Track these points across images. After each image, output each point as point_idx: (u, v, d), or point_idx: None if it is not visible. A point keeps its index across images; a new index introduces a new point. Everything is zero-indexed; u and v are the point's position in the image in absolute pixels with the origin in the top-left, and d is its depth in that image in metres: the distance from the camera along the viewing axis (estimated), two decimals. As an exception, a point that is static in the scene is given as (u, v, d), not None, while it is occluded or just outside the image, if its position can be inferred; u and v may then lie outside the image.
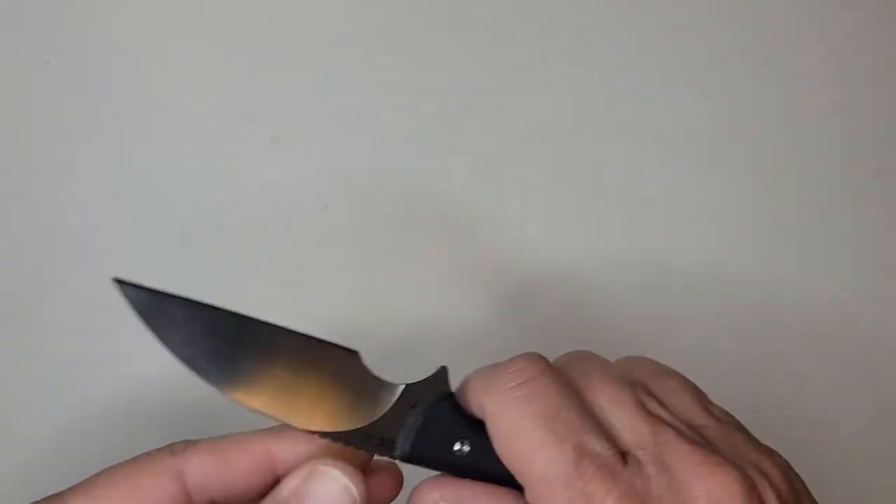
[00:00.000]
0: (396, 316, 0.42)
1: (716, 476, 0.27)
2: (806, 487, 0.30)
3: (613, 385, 0.29)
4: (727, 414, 0.31)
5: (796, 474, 0.29)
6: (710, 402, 0.31)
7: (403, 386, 0.29)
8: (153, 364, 0.41)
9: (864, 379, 0.45)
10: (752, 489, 0.27)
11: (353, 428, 0.28)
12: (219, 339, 0.28)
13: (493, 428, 0.28)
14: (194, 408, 0.41)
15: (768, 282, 0.45)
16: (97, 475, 0.29)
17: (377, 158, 0.43)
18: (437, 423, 0.29)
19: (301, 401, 0.28)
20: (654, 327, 0.44)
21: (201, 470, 0.29)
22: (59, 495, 0.29)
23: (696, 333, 0.44)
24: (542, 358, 0.29)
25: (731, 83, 0.45)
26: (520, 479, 0.28)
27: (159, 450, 0.30)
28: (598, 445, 0.27)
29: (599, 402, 0.29)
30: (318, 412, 0.28)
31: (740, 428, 0.30)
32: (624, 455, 0.28)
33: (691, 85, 0.44)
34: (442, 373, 0.30)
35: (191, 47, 0.42)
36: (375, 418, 0.29)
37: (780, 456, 0.29)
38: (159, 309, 0.28)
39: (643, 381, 0.30)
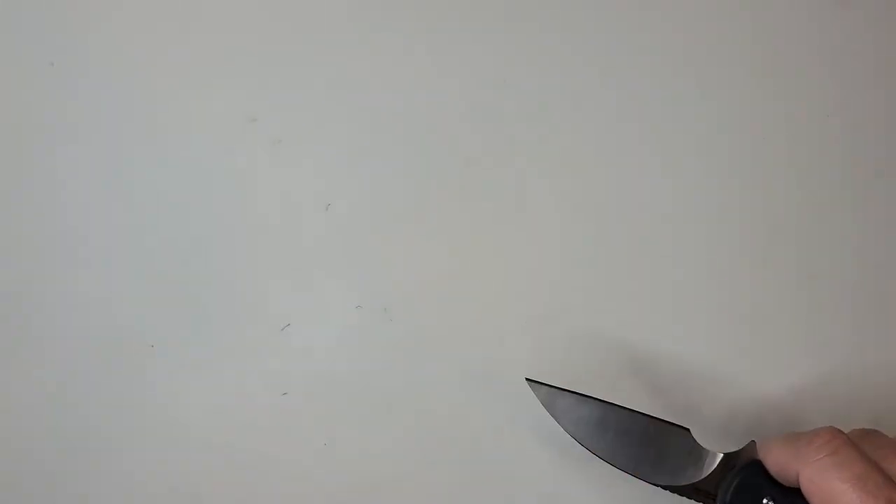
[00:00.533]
0: (397, 316, 0.42)
1: None
2: None
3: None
4: None
5: None
6: None
7: (723, 454, 0.37)
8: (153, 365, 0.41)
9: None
10: None
11: (685, 483, 0.37)
12: (594, 421, 0.38)
13: (810, 490, 0.34)
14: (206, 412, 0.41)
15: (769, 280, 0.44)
16: None
17: (378, 159, 0.43)
18: (749, 482, 0.37)
19: (647, 462, 0.38)
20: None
21: None
22: None
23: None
24: (841, 431, 0.35)
25: (731, 84, 0.44)
26: None
27: None
28: None
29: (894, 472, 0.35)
30: (661, 471, 0.38)
31: None
32: None
33: (691, 85, 0.44)
34: (751, 445, 0.38)
35: (193, 49, 0.42)
36: (703, 477, 0.37)
37: None
38: (555, 401, 0.39)
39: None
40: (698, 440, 0.38)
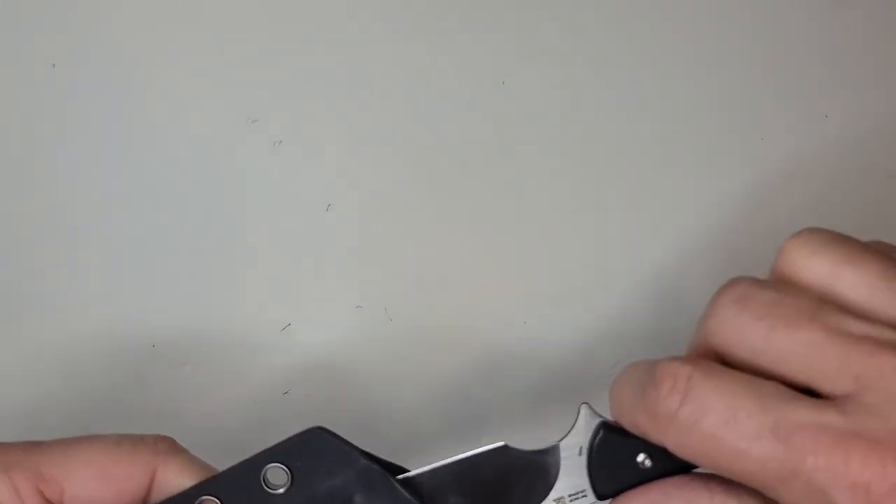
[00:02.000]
0: (396, 316, 0.42)
1: None
2: None
3: (792, 331, 0.25)
4: None
5: None
6: None
7: (557, 443, 0.31)
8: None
9: None
10: None
11: (542, 500, 0.31)
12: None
13: (683, 456, 0.26)
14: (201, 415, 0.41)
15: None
16: (79, 440, 0.30)
17: (379, 159, 0.43)
18: (609, 456, 0.30)
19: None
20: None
21: (174, 480, 0.31)
22: (37, 445, 0.29)
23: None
24: (683, 361, 0.26)
25: (731, 85, 0.45)
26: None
27: (143, 440, 0.31)
28: (799, 413, 0.24)
29: (784, 362, 0.25)
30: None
31: None
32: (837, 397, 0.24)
33: (689, 82, 0.44)
34: (587, 411, 0.31)
35: (193, 49, 0.42)
36: (553, 483, 0.31)
37: None
38: None
39: (822, 295, 0.25)
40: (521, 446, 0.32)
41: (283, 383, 0.41)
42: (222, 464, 0.41)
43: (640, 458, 0.29)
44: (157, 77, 0.41)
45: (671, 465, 0.29)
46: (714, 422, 0.24)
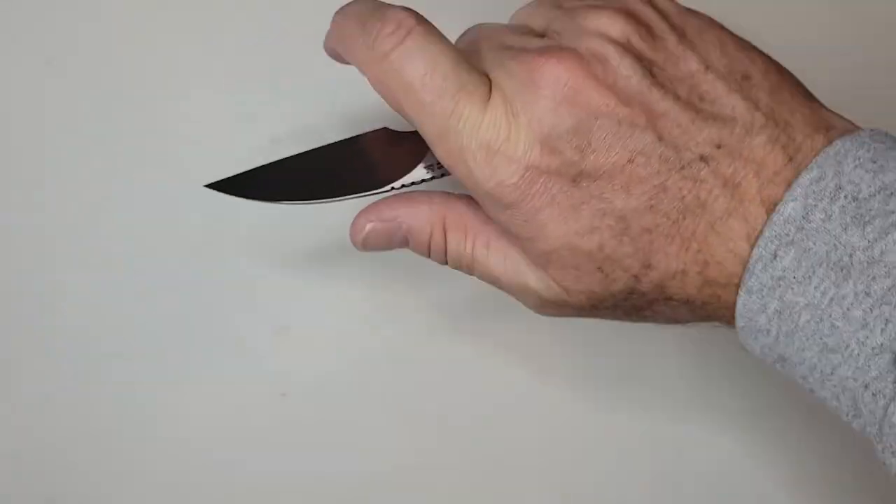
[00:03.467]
0: (396, 316, 0.42)
1: (549, 63, 0.29)
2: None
3: (474, 34, 0.32)
4: None
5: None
6: None
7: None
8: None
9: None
10: (577, 56, 0.29)
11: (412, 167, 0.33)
12: (295, 177, 0.34)
13: (378, 92, 0.31)
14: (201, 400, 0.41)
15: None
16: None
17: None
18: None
19: (367, 173, 0.33)
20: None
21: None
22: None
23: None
24: (411, 14, 0.30)
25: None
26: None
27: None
28: (471, 86, 0.29)
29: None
30: (382, 174, 0.33)
31: None
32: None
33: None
34: None
35: (191, 47, 0.42)
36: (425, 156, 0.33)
37: None
38: (249, 185, 0.34)
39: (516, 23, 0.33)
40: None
41: (281, 385, 0.41)
42: (222, 465, 0.40)
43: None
44: (156, 76, 0.41)
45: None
46: (414, 72, 0.29)
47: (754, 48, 0.30)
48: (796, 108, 0.28)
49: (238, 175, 0.34)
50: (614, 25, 0.29)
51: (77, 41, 0.40)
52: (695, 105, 0.28)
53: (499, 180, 0.28)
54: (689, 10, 0.30)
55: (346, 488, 0.41)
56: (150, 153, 0.41)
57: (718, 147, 0.28)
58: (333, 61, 0.42)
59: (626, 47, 0.28)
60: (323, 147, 0.34)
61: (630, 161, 0.28)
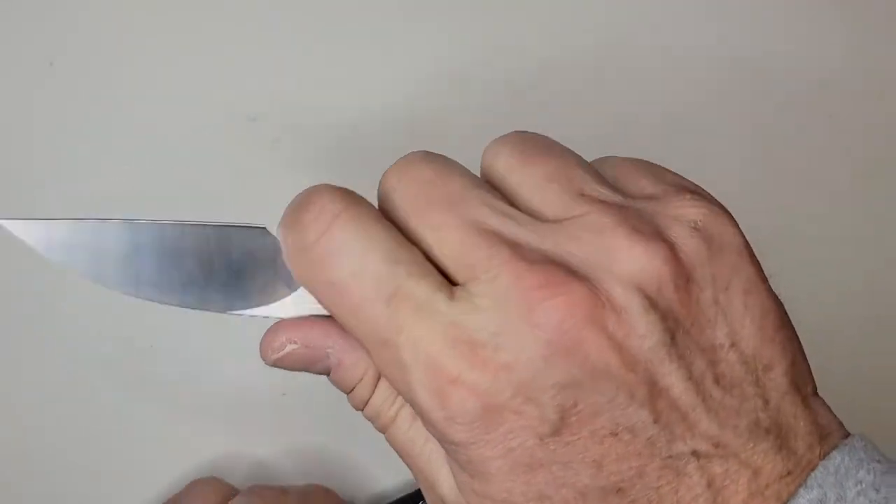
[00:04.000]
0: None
1: (548, 305, 0.23)
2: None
3: (429, 212, 0.25)
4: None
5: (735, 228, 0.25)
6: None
7: None
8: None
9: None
10: (595, 297, 0.23)
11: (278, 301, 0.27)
12: (127, 251, 0.27)
13: (308, 290, 0.26)
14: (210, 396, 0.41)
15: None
16: None
17: (378, 159, 0.43)
18: None
19: (222, 287, 0.27)
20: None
21: None
22: None
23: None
24: (338, 196, 0.25)
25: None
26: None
27: None
28: (417, 288, 0.23)
29: (424, 240, 0.25)
30: (244, 292, 0.27)
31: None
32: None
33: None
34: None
35: (192, 48, 0.42)
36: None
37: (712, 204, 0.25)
38: (55, 237, 0.27)
39: (492, 187, 0.26)
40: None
41: (282, 385, 0.41)
42: (222, 465, 0.40)
43: None
44: (157, 77, 0.41)
45: None
46: (342, 269, 0.24)
47: (793, 329, 0.25)
48: (801, 411, 0.24)
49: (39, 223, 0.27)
50: (651, 264, 0.23)
51: (79, 42, 0.40)
52: (705, 390, 0.23)
53: (449, 415, 0.23)
54: (749, 251, 0.25)
55: (347, 489, 0.41)
56: (150, 153, 0.41)
57: (716, 446, 0.23)
58: (334, 61, 0.42)
59: (653, 300, 0.23)
60: (185, 225, 0.27)
61: (613, 434, 0.23)
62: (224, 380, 0.41)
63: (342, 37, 0.42)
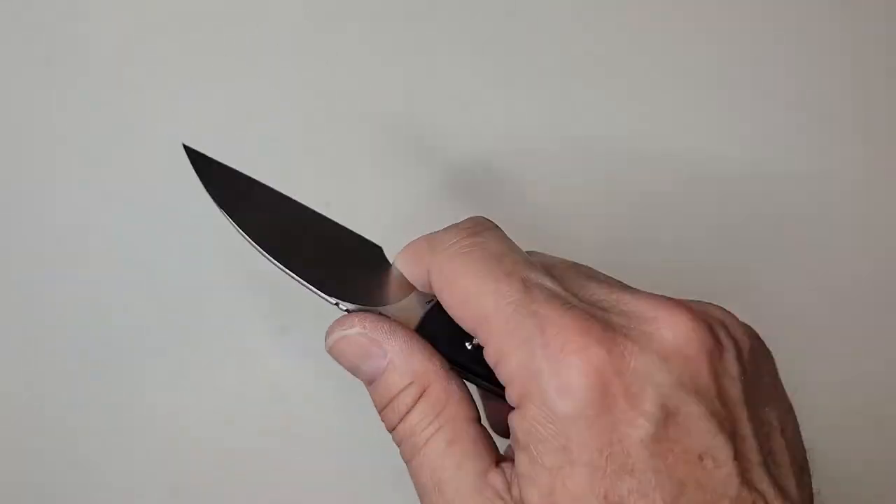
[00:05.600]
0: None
1: (675, 312, 0.26)
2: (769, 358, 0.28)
3: (559, 262, 0.30)
4: None
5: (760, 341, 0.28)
6: None
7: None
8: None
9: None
10: (710, 329, 0.26)
11: (375, 304, 0.29)
12: (280, 220, 0.31)
13: (437, 282, 0.28)
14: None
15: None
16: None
17: (377, 158, 0.43)
18: (438, 318, 0.29)
19: (335, 276, 0.30)
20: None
21: None
22: None
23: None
24: (489, 220, 0.29)
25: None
26: (472, 326, 0.27)
27: None
28: (547, 282, 0.27)
29: (553, 270, 0.29)
30: (350, 287, 0.29)
31: None
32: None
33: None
34: None
35: (190, 48, 0.42)
36: (392, 302, 0.29)
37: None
38: (228, 185, 0.31)
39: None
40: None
41: (282, 387, 0.41)
42: (221, 465, 0.40)
43: (469, 345, 0.29)
44: (155, 76, 0.41)
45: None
46: (483, 255, 0.27)
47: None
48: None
49: (228, 168, 0.31)
50: (745, 331, 0.27)
51: (76, 41, 0.40)
52: (765, 452, 0.26)
53: (564, 384, 0.25)
54: (780, 387, 0.28)
55: (347, 486, 0.41)
56: (150, 153, 0.41)
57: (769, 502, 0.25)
58: (333, 60, 0.42)
59: (741, 355, 0.27)
60: (328, 220, 0.31)
61: (700, 459, 0.25)
62: (224, 380, 0.41)
63: (341, 35, 0.42)
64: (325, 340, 0.30)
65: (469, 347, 0.29)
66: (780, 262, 0.45)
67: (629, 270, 0.32)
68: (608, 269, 0.30)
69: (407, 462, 0.29)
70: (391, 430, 0.29)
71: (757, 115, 0.45)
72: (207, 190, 0.30)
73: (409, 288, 0.30)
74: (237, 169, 0.31)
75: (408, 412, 0.28)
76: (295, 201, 0.31)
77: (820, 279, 0.45)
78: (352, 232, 0.31)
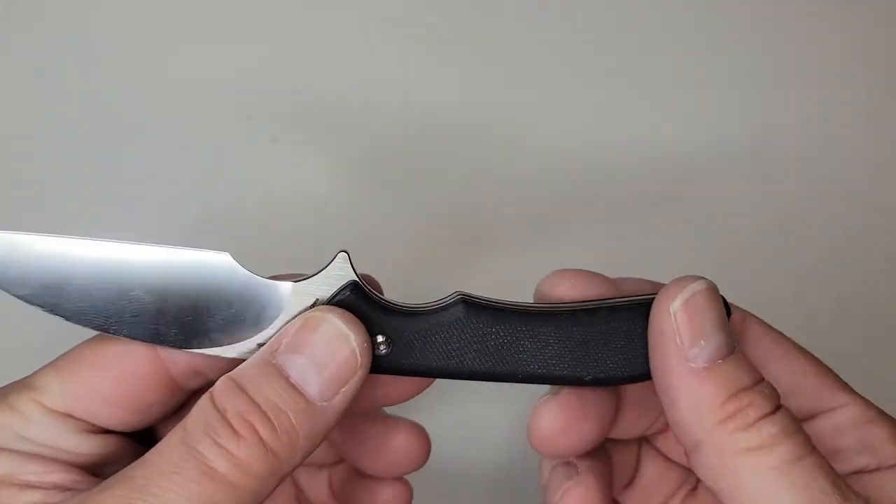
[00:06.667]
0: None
1: None
2: None
3: None
4: None
5: None
6: None
7: (292, 284, 0.26)
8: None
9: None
10: None
11: (242, 336, 0.25)
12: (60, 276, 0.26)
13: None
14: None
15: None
16: (64, 355, 0.28)
17: (377, 158, 0.43)
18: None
19: (174, 324, 0.25)
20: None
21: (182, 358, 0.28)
22: (24, 380, 0.27)
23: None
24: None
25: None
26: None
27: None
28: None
29: None
30: (202, 334, 0.25)
31: None
32: None
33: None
34: (342, 261, 0.26)
35: (190, 48, 0.42)
36: (266, 323, 0.25)
37: None
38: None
39: None
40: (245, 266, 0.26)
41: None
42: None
43: (379, 339, 0.26)
44: (156, 76, 0.41)
45: (410, 361, 0.26)
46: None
47: None
48: None
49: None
50: None
51: (76, 42, 0.40)
52: None
53: None
54: None
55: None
56: (149, 153, 0.41)
57: None
58: (332, 60, 0.42)
59: None
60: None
61: None
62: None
63: (340, 35, 0.42)
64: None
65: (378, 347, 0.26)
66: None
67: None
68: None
69: None
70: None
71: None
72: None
73: (278, 297, 0.26)
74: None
75: None
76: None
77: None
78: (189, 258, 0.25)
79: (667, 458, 0.31)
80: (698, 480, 0.31)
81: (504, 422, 0.42)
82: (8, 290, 0.26)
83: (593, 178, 0.43)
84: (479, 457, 0.42)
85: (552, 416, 0.27)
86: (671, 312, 0.25)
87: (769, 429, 0.24)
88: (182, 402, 0.29)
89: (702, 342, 0.25)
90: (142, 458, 0.24)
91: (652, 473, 0.31)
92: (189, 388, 0.28)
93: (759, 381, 0.25)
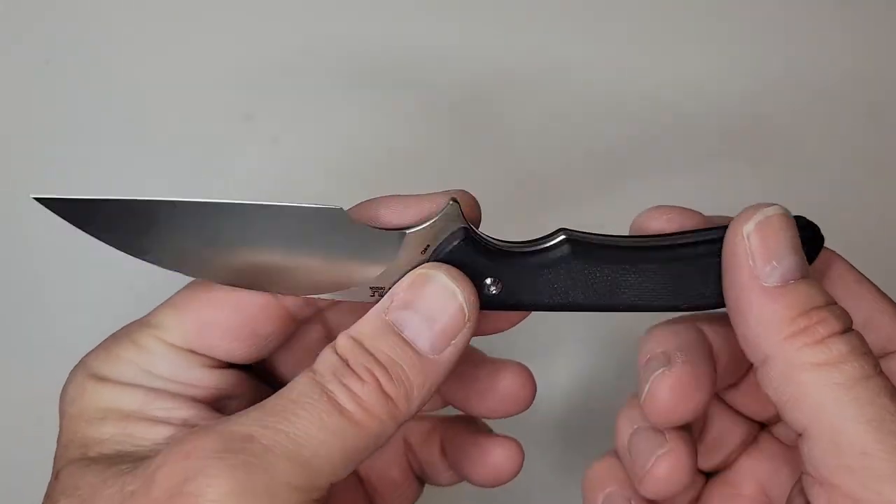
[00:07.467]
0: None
1: None
2: None
3: None
4: None
5: None
6: None
7: (405, 231, 0.27)
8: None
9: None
10: None
11: (359, 281, 0.27)
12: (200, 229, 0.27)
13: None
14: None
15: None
16: (179, 292, 0.29)
17: (376, 157, 0.43)
18: (458, 265, 0.27)
19: (298, 272, 0.27)
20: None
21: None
22: (144, 319, 0.29)
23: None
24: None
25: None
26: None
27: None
28: None
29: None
30: (318, 280, 0.27)
31: None
32: None
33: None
34: (453, 210, 0.27)
35: (190, 47, 0.42)
36: (383, 272, 0.27)
37: None
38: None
39: None
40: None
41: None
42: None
43: (488, 281, 0.28)
44: (156, 76, 0.41)
45: (518, 299, 0.28)
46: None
47: None
48: None
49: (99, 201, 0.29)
50: None
51: (76, 42, 0.40)
52: None
53: None
54: None
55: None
56: (149, 153, 0.41)
57: None
58: (331, 59, 0.42)
59: None
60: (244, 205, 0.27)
61: None
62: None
63: (339, 35, 0.42)
64: None
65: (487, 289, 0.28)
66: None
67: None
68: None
69: None
70: None
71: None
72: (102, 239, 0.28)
73: (393, 246, 0.27)
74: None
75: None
76: (184, 203, 0.28)
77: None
78: (300, 207, 0.27)
79: (735, 412, 0.32)
80: (761, 431, 0.32)
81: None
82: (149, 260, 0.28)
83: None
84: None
85: (669, 390, 0.28)
86: (745, 234, 0.26)
87: (838, 347, 0.25)
88: (294, 331, 0.30)
89: (774, 262, 0.26)
90: (273, 395, 0.26)
91: (720, 426, 0.32)
92: (301, 316, 0.30)
93: (831, 303, 0.26)
